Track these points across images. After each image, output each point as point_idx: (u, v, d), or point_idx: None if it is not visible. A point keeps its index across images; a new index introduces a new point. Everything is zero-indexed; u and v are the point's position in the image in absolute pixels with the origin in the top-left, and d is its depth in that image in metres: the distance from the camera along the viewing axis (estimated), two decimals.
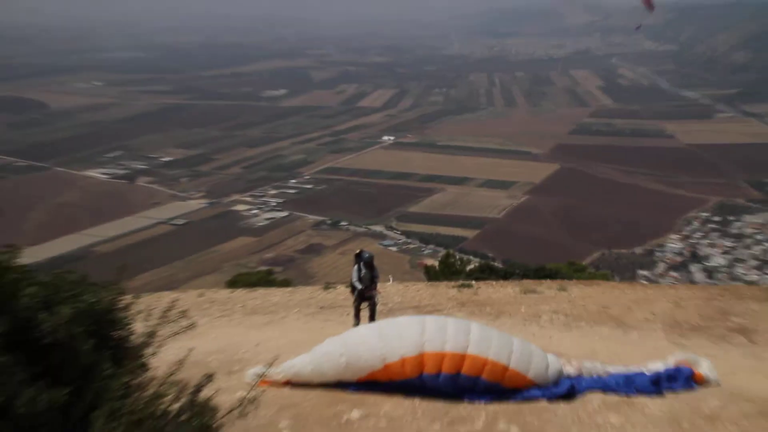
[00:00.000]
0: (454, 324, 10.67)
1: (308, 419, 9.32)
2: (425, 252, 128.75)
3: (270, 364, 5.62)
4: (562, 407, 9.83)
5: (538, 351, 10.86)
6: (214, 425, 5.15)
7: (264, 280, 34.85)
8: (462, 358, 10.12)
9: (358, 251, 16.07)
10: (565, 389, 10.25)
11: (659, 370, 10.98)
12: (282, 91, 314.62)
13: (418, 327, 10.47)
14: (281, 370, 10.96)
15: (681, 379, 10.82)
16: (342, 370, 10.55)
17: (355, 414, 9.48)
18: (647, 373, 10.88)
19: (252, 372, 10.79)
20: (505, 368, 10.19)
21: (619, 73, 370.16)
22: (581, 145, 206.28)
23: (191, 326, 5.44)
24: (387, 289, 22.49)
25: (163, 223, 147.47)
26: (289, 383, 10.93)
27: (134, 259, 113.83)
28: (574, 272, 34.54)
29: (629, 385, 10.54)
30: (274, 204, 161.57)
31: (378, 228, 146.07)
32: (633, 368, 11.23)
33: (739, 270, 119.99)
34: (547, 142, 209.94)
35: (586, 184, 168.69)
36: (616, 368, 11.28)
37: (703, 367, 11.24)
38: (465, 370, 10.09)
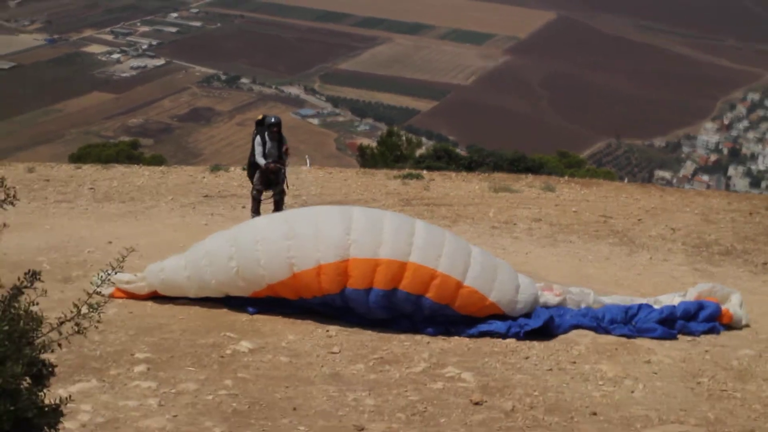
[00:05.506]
0: (393, 220, 10.66)
1: (176, 350, 9.25)
2: (360, 128, 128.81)
3: (119, 265, 5.38)
4: (535, 348, 9.94)
5: (506, 267, 10.96)
6: (37, 343, 4.96)
7: (125, 155, 34.42)
8: (402, 267, 10.12)
9: (260, 117, 16.16)
10: (541, 323, 10.35)
11: (674, 305, 11.15)
12: None
13: (343, 222, 10.37)
14: (144, 276, 10.87)
15: (703, 319, 11.04)
16: (231, 280, 10.46)
17: (245, 346, 9.46)
18: (656, 308, 11.05)
19: (100, 278, 10.64)
20: (459, 284, 10.24)
21: None
22: None
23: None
24: (301, 176, 22.38)
25: None
26: (156, 295, 10.90)
27: None
28: (567, 167, 34.97)
29: (630, 323, 10.69)
30: (146, 47, 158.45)
31: (294, 90, 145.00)
32: (638, 301, 11.39)
33: None
34: None
35: (590, 43, 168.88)
36: (615, 299, 11.44)
37: (734, 304, 11.46)
38: (405, 284, 10.12)
